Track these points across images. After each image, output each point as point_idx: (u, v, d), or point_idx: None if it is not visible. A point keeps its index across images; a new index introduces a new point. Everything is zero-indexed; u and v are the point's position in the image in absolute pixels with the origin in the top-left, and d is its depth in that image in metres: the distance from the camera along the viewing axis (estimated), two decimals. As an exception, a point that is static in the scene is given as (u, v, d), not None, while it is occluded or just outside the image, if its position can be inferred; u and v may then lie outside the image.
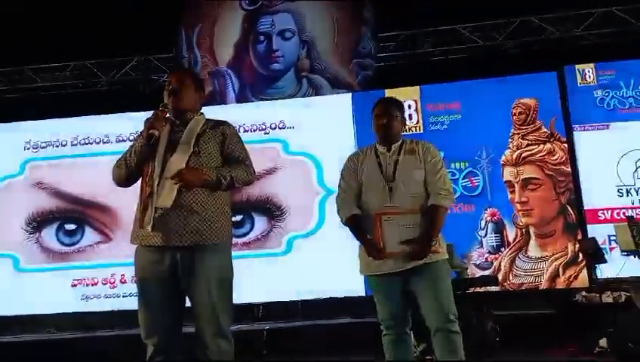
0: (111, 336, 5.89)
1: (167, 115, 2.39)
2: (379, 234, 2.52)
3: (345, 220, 2.70)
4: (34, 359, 5.48)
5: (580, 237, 6.53)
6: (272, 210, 7.23)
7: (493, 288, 5.95)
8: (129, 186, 2.46)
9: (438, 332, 2.49)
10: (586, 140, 6.93)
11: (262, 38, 8.02)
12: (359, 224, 2.65)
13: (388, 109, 2.72)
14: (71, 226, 7.53)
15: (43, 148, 7.88)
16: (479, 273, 6.46)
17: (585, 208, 6.73)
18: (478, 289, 5.50)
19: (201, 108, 2.56)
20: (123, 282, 7.13)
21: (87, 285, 7.24)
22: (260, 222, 7.23)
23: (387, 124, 2.68)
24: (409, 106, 7.19)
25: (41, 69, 8.47)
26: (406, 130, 3.13)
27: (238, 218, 7.13)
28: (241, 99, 7.98)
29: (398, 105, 2.80)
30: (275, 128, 7.55)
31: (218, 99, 7.97)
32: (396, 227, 2.52)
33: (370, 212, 2.60)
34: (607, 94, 7.02)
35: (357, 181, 2.71)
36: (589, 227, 6.63)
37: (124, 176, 2.41)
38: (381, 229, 2.52)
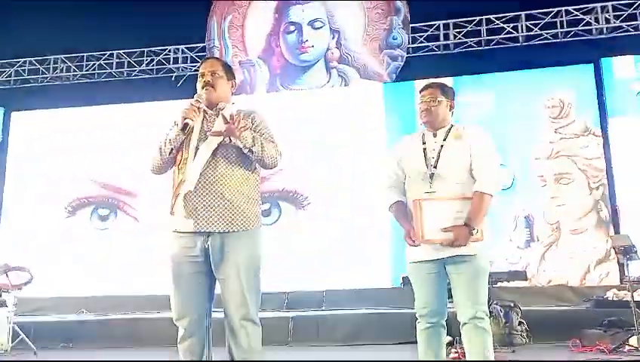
0: (143, 319, 6.04)
1: (201, 105, 2.43)
2: (418, 220, 2.51)
3: (389, 207, 2.71)
4: (68, 339, 5.66)
5: (612, 233, 6.39)
6: (300, 200, 7.29)
7: (522, 283, 5.89)
8: (163, 173, 2.52)
9: (467, 326, 2.48)
10: (621, 135, 6.75)
11: (292, 27, 8.04)
12: (403, 211, 2.66)
13: (432, 94, 2.67)
14: (104, 211, 7.77)
15: (79, 134, 8.12)
16: (508, 268, 6.39)
17: (618, 204, 6.58)
18: (506, 284, 5.44)
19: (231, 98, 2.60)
20: (154, 267, 7.31)
21: (120, 269, 7.45)
22: (288, 212, 7.30)
23: (429, 109, 2.65)
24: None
25: (77, 57, 8.67)
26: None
27: (266, 206, 7.22)
28: (270, 89, 8.04)
29: (444, 89, 2.72)
30: (304, 118, 7.59)
31: (248, 89, 8.04)
32: (436, 214, 2.49)
33: (413, 198, 2.60)
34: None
35: (401, 167, 2.70)
36: (622, 223, 6.48)
37: (158, 164, 2.47)
38: (421, 216, 2.50)
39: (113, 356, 5.06)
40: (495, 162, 2.62)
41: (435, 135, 2.65)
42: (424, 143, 2.65)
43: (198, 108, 2.41)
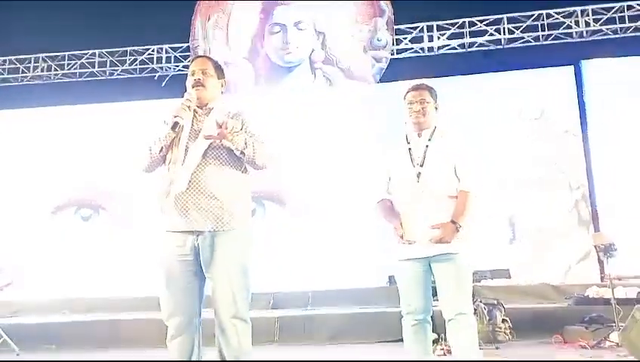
0: (129, 319, 5.99)
1: (191, 104, 2.43)
2: (405, 218, 2.55)
3: (375, 205, 2.74)
4: (51, 340, 5.59)
5: (593, 232, 6.52)
6: (285, 200, 7.31)
7: (506, 281, 5.97)
8: (151, 172, 2.51)
9: (452, 322, 2.53)
10: (600, 136, 6.90)
11: (277, 28, 8.04)
12: (389, 209, 2.69)
13: (422, 95, 2.72)
14: (87, 211, 7.68)
15: (61, 134, 8.02)
16: (491, 266, 6.47)
17: (597, 204, 6.72)
18: (490, 282, 5.52)
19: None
20: (141, 267, 7.26)
21: (105, 269, 7.36)
22: (273, 212, 7.30)
23: (419, 110, 2.69)
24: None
25: (58, 56, 8.56)
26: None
27: (252, 206, 7.20)
28: (255, 89, 8.02)
29: (431, 91, 2.78)
30: (289, 119, 7.59)
31: (233, 89, 8.01)
32: (423, 212, 2.54)
33: (399, 197, 2.64)
34: (622, 89, 6.97)
35: (387, 167, 2.74)
36: (602, 222, 6.62)
37: (148, 163, 2.46)
38: (407, 214, 2.55)
39: (97, 357, 5.01)
40: (478, 162, 2.68)
41: (419, 135, 2.70)
42: (409, 143, 2.70)
43: (189, 107, 2.41)
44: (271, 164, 2.47)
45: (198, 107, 2.49)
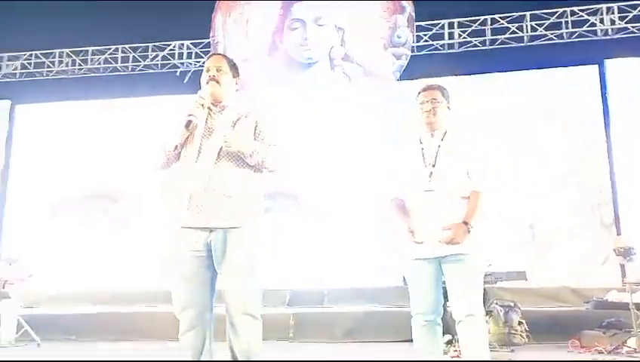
0: (145, 312, 6.09)
1: (205, 101, 2.46)
2: (417, 218, 2.55)
3: (387, 204, 2.75)
4: (71, 331, 5.72)
5: (614, 235, 6.40)
6: (302, 198, 7.33)
7: (523, 283, 5.89)
8: (166, 169, 2.54)
9: (462, 323, 2.51)
10: (625, 137, 6.75)
11: (296, 25, 8.03)
12: (400, 208, 2.69)
13: (432, 95, 2.72)
14: (109, 204, 7.82)
15: (83, 128, 8.17)
16: (509, 268, 6.40)
17: (620, 206, 6.59)
18: (507, 284, 5.45)
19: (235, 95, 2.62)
20: (157, 261, 7.37)
21: (124, 262, 7.49)
22: (290, 209, 7.33)
23: (430, 110, 2.69)
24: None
25: (82, 51, 8.71)
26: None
27: (268, 203, 7.24)
28: (274, 86, 8.04)
29: (443, 91, 2.77)
30: (307, 116, 7.60)
31: (252, 85, 8.05)
32: (434, 212, 2.54)
33: (411, 196, 2.64)
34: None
35: (399, 166, 2.74)
36: (623, 226, 6.49)
37: (162, 161, 2.50)
38: (419, 213, 2.55)
39: (115, 348, 5.11)
40: (491, 163, 2.66)
41: (432, 135, 2.70)
42: (422, 143, 2.70)
43: (202, 105, 2.44)
44: (281, 166, 2.49)
45: (212, 104, 2.51)
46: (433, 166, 2.61)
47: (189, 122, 2.37)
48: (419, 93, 2.76)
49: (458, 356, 4.01)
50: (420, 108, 2.72)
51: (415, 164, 2.66)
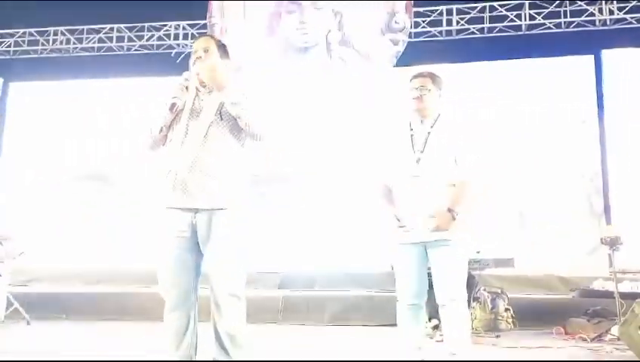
0: (134, 292, 6.13)
1: (189, 83, 2.45)
2: (403, 204, 2.57)
3: (374, 190, 2.76)
4: (61, 310, 5.76)
5: (604, 224, 6.44)
6: (293, 180, 7.34)
7: (512, 271, 5.95)
8: (154, 151, 2.55)
9: (445, 308, 2.56)
10: (618, 127, 6.77)
11: (293, 8, 7.97)
12: (387, 193, 2.71)
13: (423, 83, 2.72)
14: (100, 184, 7.82)
15: (77, 107, 8.14)
16: (496, 255, 6.44)
17: (611, 196, 6.62)
18: (496, 272, 5.51)
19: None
20: (145, 241, 7.41)
21: (112, 241, 7.50)
22: (282, 192, 7.35)
23: (419, 97, 2.68)
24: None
25: (77, 30, 8.63)
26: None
27: (260, 186, 7.25)
28: (271, 69, 8.00)
29: (434, 78, 2.78)
30: (302, 99, 7.58)
31: (248, 68, 8.00)
32: (421, 198, 2.56)
33: (398, 182, 2.66)
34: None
35: (388, 152, 2.76)
36: (614, 215, 6.53)
37: (149, 143, 2.50)
38: (405, 199, 2.57)
39: (104, 327, 5.15)
40: (478, 152, 2.68)
41: (422, 122, 2.71)
42: (411, 130, 2.71)
43: (186, 87, 2.43)
44: (265, 136, 2.46)
45: (201, 85, 2.49)
46: (421, 152, 2.63)
47: (173, 105, 2.37)
48: (411, 79, 2.77)
49: (444, 339, 4.06)
50: (409, 94, 2.73)
51: (403, 150, 2.67)
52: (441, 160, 2.61)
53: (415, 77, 2.76)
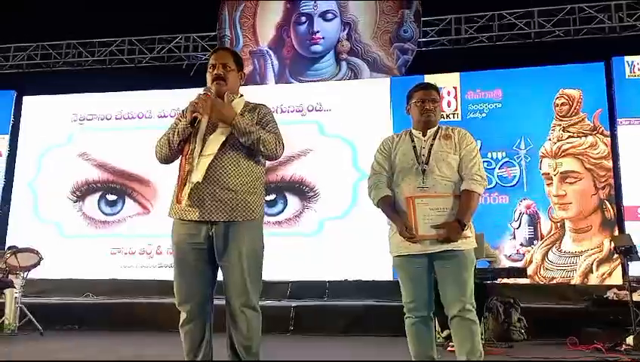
0: (146, 303, 6.14)
1: (210, 97, 2.46)
2: (411, 216, 2.56)
3: (377, 202, 2.74)
4: (73, 321, 5.78)
5: (617, 233, 6.38)
6: (305, 191, 7.35)
7: (525, 280, 5.91)
8: (170, 163, 2.57)
9: (454, 319, 2.53)
10: (630, 135, 6.73)
11: (303, 18, 8.04)
12: (391, 206, 2.71)
13: (432, 95, 2.74)
14: (112, 197, 7.86)
15: (89, 120, 8.22)
16: (509, 264, 6.40)
17: (624, 205, 6.57)
18: (507, 281, 5.47)
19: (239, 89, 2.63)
20: (159, 253, 7.44)
21: (125, 254, 7.58)
22: (293, 203, 7.36)
23: (432, 109, 2.71)
24: (447, 93, 7.16)
25: (89, 43, 8.74)
26: (442, 117, 3.17)
27: (272, 197, 7.28)
28: (280, 80, 8.06)
29: (438, 91, 2.82)
30: (311, 110, 7.62)
31: (258, 79, 8.07)
32: (428, 210, 2.55)
33: (403, 194, 2.64)
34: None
35: (390, 163, 2.75)
36: (628, 224, 6.47)
37: (167, 155, 2.51)
38: (414, 212, 2.55)
39: (117, 338, 5.17)
40: (481, 163, 2.68)
41: (424, 134, 2.71)
42: (413, 141, 2.72)
43: (206, 101, 2.44)
44: (280, 152, 2.47)
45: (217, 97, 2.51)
46: (426, 164, 2.63)
47: (194, 119, 2.38)
48: (416, 91, 2.78)
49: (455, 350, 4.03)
50: (418, 106, 2.73)
51: (408, 162, 2.67)
52: (445, 172, 2.60)
53: (425, 88, 2.77)
